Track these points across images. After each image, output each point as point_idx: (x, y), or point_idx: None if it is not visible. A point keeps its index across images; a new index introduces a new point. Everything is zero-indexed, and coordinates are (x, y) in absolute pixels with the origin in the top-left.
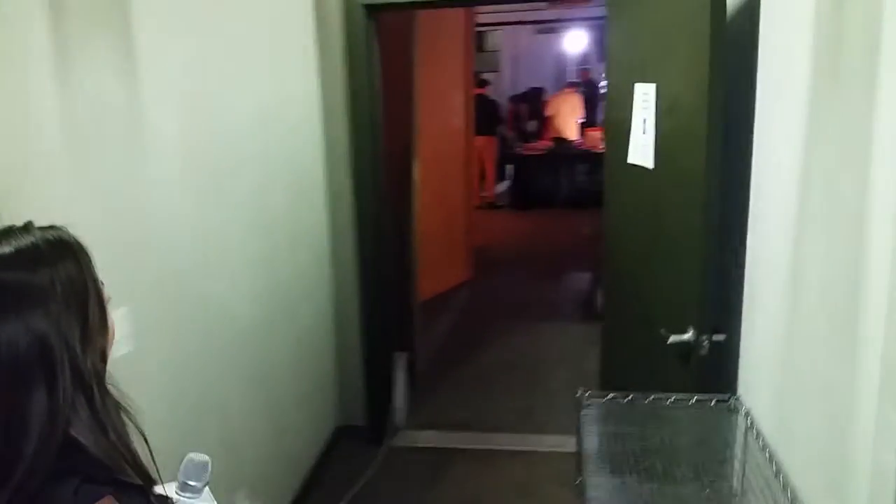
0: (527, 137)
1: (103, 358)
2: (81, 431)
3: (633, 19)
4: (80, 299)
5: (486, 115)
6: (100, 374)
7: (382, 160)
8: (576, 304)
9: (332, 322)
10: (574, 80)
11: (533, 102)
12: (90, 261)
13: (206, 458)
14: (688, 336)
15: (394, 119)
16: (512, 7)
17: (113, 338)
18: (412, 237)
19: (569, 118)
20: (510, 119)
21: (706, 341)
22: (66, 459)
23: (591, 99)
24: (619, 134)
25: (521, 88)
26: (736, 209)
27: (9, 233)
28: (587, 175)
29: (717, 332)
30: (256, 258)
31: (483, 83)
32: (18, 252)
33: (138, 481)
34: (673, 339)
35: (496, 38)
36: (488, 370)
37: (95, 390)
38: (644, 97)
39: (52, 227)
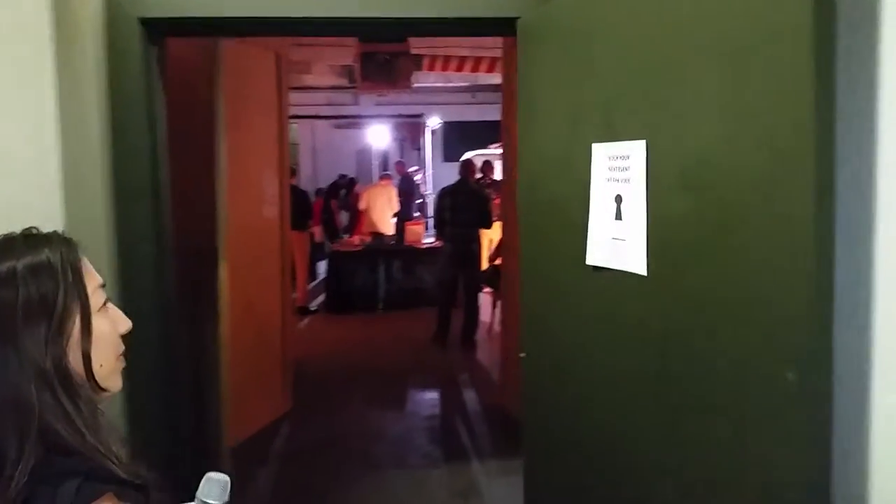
0: (337, 233)
1: (87, 361)
2: (61, 430)
3: (582, 44)
4: (47, 313)
5: (298, 208)
6: (66, 374)
7: (173, 271)
8: (431, 438)
9: None
10: (387, 172)
11: (343, 194)
12: (76, 271)
13: (226, 477)
14: None
15: (189, 201)
16: (309, 99)
17: (111, 338)
18: (219, 382)
19: (384, 211)
20: (318, 213)
21: None
22: (69, 460)
23: (407, 192)
24: (555, 221)
25: (323, 183)
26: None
27: None
28: (408, 273)
29: None
30: None
31: (292, 171)
32: None
33: (138, 481)
34: None
35: (293, 131)
36: None
37: (59, 388)
38: (613, 164)
39: (43, 243)
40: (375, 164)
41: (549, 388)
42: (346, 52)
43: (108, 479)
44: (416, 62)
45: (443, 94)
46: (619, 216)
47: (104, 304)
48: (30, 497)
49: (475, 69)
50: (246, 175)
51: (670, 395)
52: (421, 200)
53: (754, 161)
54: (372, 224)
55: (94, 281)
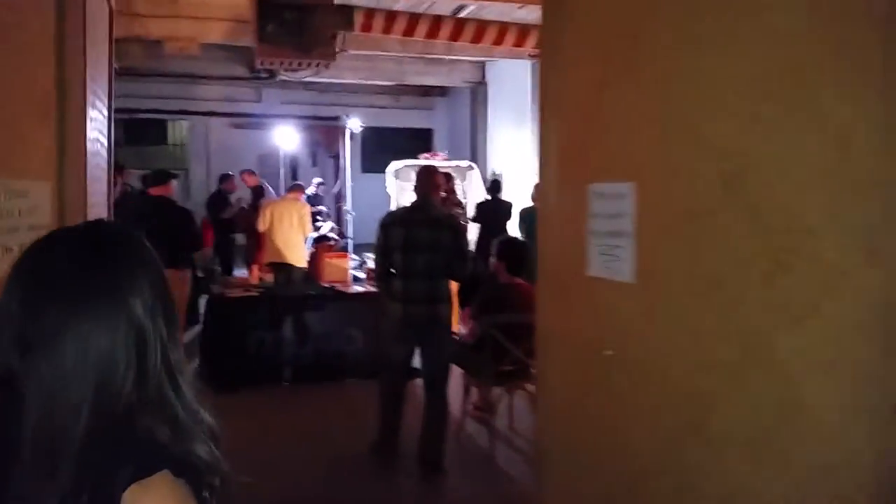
0: (230, 263)
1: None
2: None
3: None
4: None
5: (169, 233)
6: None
7: None
8: None
9: None
10: (297, 182)
11: (237, 208)
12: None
13: None
14: None
15: None
16: (201, 93)
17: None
18: None
19: (292, 235)
20: (209, 237)
21: None
22: (132, 437)
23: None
24: None
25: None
26: None
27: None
28: (328, 328)
29: None
30: None
31: (165, 177)
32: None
33: (197, 462)
34: None
35: (182, 129)
36: None
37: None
38: None
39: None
40: (283, 171)
41: None
42: (237, 28)
43: (168, 458)
44: (346, 19)
45: (361, 94)
46: None
47: None
48: (86, 470)
49: (432, 34)
50: None
51: None
52: (326, 222)
53: None
54: (276, 251)
55: None
